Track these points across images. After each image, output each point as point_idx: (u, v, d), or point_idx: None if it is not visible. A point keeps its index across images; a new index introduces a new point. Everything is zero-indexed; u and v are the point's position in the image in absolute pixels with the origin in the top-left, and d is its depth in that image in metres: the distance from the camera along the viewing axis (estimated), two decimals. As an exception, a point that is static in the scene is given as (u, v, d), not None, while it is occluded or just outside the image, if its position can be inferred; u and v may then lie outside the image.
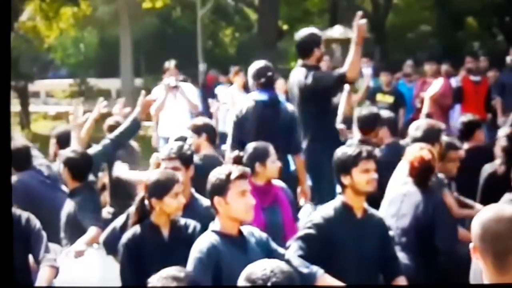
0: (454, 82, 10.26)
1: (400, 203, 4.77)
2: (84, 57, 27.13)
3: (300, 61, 6.27)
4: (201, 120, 6.24)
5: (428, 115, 6.75)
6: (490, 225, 2.39)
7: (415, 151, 4.84)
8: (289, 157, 5.97)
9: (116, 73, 20.49)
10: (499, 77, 10.38)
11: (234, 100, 9.83)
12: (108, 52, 24.32)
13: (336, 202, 4.17)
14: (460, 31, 21.46)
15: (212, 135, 5.97)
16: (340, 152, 4.20)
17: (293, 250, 4.05)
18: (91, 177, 5.52)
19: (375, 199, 4.62)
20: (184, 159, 4.63)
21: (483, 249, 2.39)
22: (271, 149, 4.94)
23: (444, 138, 5.58)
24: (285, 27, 23.09)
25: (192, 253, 3.62)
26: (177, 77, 8.56)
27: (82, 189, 5.32)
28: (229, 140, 5.81)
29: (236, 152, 4.96)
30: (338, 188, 4.26)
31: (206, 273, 3.52)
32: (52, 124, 19.25)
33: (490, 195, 5.01)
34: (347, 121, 7.47)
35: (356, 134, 6.47)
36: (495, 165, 5.70)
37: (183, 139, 5.95)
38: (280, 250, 3.91)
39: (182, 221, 4.15)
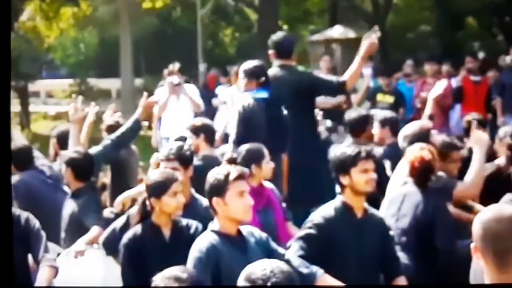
0: (454, 82, 10.26)
1: (400, 203, 4.77)
2: (84, 57, 27.13)
3: (278, 62, 6.25)
4: (200, 121, 6.24)
5: (431, 117, 6.75)
6: (491, 225, 2.40)
7: (416, 151, 4.84)
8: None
9: (116, 73, 20.49)
10: (499, 77, 10.38)
11: (234, 100, 9.83)
12: (108, 52, 24.31)
13: (336, 202, 4.17)
14: (460, 31, 21.44)
15: (210, 135, 5.97)
16: (339, 152, 4.21)
17: (293, 250, 4.05)
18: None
19: (375, 198, 4.64)
20: (183, 159, 4.63)
21: (484, 249, 2.40)
22: (265, 150, 4.95)
23: (445, 138, 5.59)
24: (285, 27, 23.08)
25: (192, 253, 3.62)
26: (181, 78, 8.54)
27: (86, 189, 5.33)
28: (232, 138, 5.76)
29: (230, 154, 4.97)
30: (338, 188, 4.26)
31: (205, 273, 3.52)
32: (52, 124, 19.26)
33: (491, 195, 5.01)
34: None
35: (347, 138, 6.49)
36: (496, 164, 5.70)
37: (183, 139, 5.95)
38: (280, 250, 3.91)
39: (184, 221, 4.15)
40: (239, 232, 3.73)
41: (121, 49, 18.89)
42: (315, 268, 3.95)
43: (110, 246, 4.48)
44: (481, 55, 12.48)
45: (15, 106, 18.07)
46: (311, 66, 14.47)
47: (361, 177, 4.07)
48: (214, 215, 3.73)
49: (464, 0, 20.85)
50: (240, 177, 3.68)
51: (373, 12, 21.89)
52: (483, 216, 2.44)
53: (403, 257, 4.51)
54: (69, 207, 5.27)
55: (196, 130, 5.98)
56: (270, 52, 6.32)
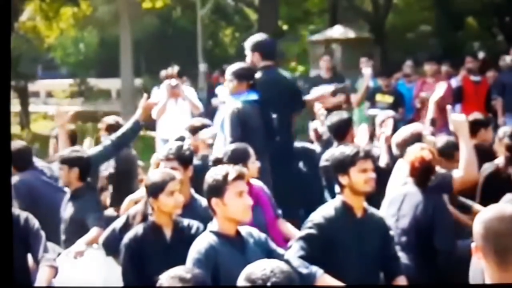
0: (454, 82, 10.25)
1: (400, 203, 4.77)
2: (84, 57, 27.13)
3: (262, 63, 6.24)
4: (199, 121, 6.24)
5: (433, 122, 6.76)
6: (492, 224, 2.41)
7: (416, 151, 4.84)
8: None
9: (116, 73, 20.49)
10: (499, 77, 10.37)
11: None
12: (108, 52, 24.31)
13: (336, 201, 4.17)
14: (460, 31, 21.44)
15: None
16: (337, 151, 4.21)
17: (294, 250, 4.05)
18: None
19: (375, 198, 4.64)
20: (183, 159, 4.63)
21: (485, 248, 2.40)
22: (251, 149, 4.96)
23: (450, 138, 5.62)
24: (285, 27, 23.08)
25: (191, 254, 3.63)
26: (180, 81, 8.48)
27: (86, 189, 5.37)
28: (228, 141, 5.74)
29: (216, 155, 4.98)
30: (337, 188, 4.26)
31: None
32: (52, 124, 19.24)
33: (490, 194, 5.01)
34: None
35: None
36: (495, 164, 5.70)
37: (183, 139, 5.96)
38: (279, 250, 3.91)
39: (185, 221, 4.16)
40: (238, 232, 3.73)
41: (121, 49, 18.89)
42: (314, 268, 3.95)
43: (110, 247, 4.49)
44: (481, 55, 12.46)
45: (15, 106, 18.06)
46: (311, 66, 14.46)
47: (360, 176, 4.07)
48: (213, 216, 3.73)
49: (464, 0, 20.84)
50: (239, 177, 3.68)
51: (373, 12, 21.88)
52: (484, 216, 2.45)
53: (403, 257, 4.51)
54: (70, 207, 5.27)
55: (195, 130, 5.98)
56: (252, 53, 6.26)
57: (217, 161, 4.85)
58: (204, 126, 6.05)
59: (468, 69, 10.18)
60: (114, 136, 5.88)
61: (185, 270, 2.77)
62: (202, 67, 18.64)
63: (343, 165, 4.10)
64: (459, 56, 12.36)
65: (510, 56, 10.54)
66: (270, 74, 6.23)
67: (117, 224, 4.57)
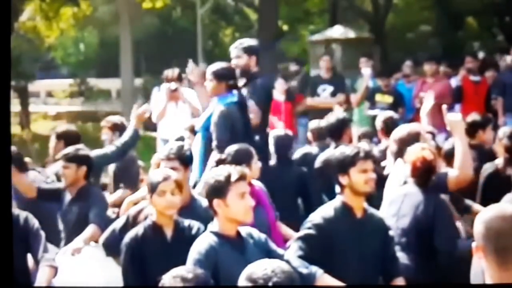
0: (454, 82, 10.26)
1: (400, 203, 4.77)
2: (84, 57, 27.14)
3: (257, 67, 6.33)
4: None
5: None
6: (493, 223, 2.41)
7: (417, 152, 4.83)
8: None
9: (116, 73, 20.49)
10: (499, 77, 10.37)
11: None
12: (108, 52, 24.32)
13: (336, 202, 4.17)
14: (460, 31, 21.45)
15: None
16: (338, 152, 4.22)
17: (293, 250, 4.05)
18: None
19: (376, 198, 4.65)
20: (183, 159, 4.63)
21: (486, 247, 2.40)
22: (253, 150, 4.98)
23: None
24: (285, 27, 23.08)
25: (191, 254, 3.63)
26: (180, 84, 8.43)
27: (92, 188, 5.44)
28: (215, 144, 5.67)
29: (218, 156, 4.99)
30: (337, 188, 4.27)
31: (205, 274, 3.52)
32: (52, 124, 19.27)
33: (490, 195, 5.01)
34: None
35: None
36: (495, 165, 5.70)
37: (183, 139, 5.97)
38: (279, 250, 3.91)
39: (186, 222, 4.16)
40: (238, 233, 3.73)
41: (121, 49, 18.89)
42: (314, 268, 3.95)
43: (110, 247, 4.49)
44: (481, 55, 12.46)
45: (15, 106, 18.07)
46: (311, 66, 14.46)
47: (360, 177, 4.07)
48: (214, 216, 3.73)
49: (464, 0, 20.84)
50: (241, 178, 3.68)
51: (373, 12, 21.89)
52: (486, 215, 2.45)
53: (403, 257, 4.51)
54: (75, 207, 5.29)
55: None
56: (249, 57, 6.30)
57: (220, 161, 4.85)
58: None
59: (467, 69, 10.19)
60: (119, 142, 6.05)
61: (187, 270, 2.78)
62: (202, 67, 18.63)
63: (343, 165, 4.10)
64: (459, 56, 12.37)
65: (510, 56, 10.54)
66: (266, 79, 6.43)
67: (117, 224, 4.57)
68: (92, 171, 5.45)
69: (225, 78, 5.85)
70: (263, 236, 3.85)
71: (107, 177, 6.99)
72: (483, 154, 6.06)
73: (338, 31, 15.12)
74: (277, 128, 7.67)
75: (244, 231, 3.77)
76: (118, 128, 6.78)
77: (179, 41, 23.89)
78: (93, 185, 5.52)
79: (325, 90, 10.01)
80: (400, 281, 4.21)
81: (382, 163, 5.86)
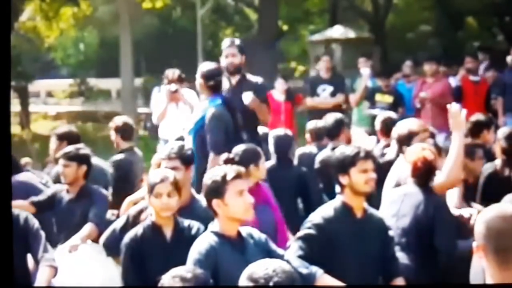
0: (454, 82, 10.25)
1: (400, 203, 4.77)
2: (84, 57, 27.14)
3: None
4: None
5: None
6: (495, 222, 2.41)
7: (418, 152, 4.83)
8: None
9: (116, 73, 20.50)
10: (500, 77, 10.36)
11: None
12: (108, 52, 24.33)
13: (336, 202, 4.17)
14: (460, 31, 21.46)
15: None
16: (338, 152, 4.21)
17: (293, 250, 4.05)
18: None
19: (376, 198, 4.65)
20: (184, 159, 4.63)
21: (487, 247, 2.41)
22: (260, 150, 4.99)
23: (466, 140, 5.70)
24: (285, 27, 23.10)
25: (191, 254, 3.62)
26: (180, 85, 8.42)
27: (92, 188, 5.44)
28: (210, 147, 5.72)
29: (226, 155, 4.99)
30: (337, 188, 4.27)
31: (205, 274, 3.52)
32: (52, 124, 19.28)
33: (490, 195, 5.01)
34: None
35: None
36: (495, 165, 5.70)
37: (183, 139, 5.96)
38: (279, 251, 3.91)
39: (186, 222, 4.16)
40: (238, 233, 3.73)
41: (121, 49, 18.89)
42: (314, 268, 3.95)
43: (111, 247, 4.49)
44: (481, 55, 12.43)
45: (15, 106, 18.07)
46: (311, 66, 14.47)
47: (361, 177, 4.07)
48: (214, 216, 3.73)
49: (464, 0, 20.85)
50: (238, 176, 3.67)
51: (373, 12, 21.91)
52: (486, 215, 2.46)
53: (403, 257, 4.51)
54: (77, 206, 5.30)
55: None
56: (242, 55, 6.43)
57: (228, 161, 4.87)
58: None
59: (467, 69, 10.18)
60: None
61: (187, 270, 2.78)
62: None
63: (344, 165, 4.10)
64: (459, 56, 12.36)
65: (510, 56, 10.53)
66: (259, 78, 6.59)
67: (118, 224, 4.57)
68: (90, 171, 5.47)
69: (207, 78, 5.94)
70: (263, 236, 3.85)
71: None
72: (485, 154, 6.06)
73: (338, 31, 15.15)
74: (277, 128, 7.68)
75: (245, 231, 3.77)
76: (120, 130, 6.78)
77: (179, 41, 23.90)
78: (92, 185, 5.51)
79: (325, 90, 10.00)
80: (400, 281, 4.20)
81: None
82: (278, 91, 9.96)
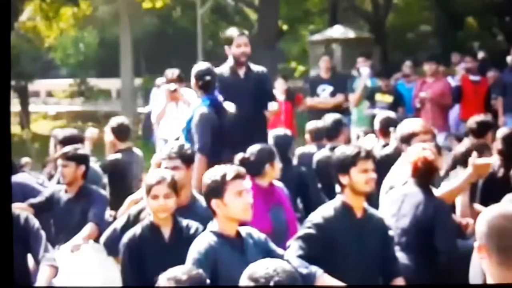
0: (453, 81, 10.25)
1: (400, 203, 4.77)
2: (84, 57, 27.13)
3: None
4: None
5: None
6: (496, 222, 2.42)
7: (418, 152, 4.83)
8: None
9: (116, 73, 20.50)
10: (500, 77, 10.36)
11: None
12: (108, 52, 24.32)
13: (336, 202, 4.17)
14: (460, 31, 21.46)
15: None
16: (338, 151, 4.21)
17: (293, 249, 4.05)
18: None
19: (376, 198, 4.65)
20: (185, 158, 4.63)
21: (488, 246, 2.40)
22: (275, 149, 4.99)
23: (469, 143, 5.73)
24: (285, 27, 23.09)
25: (190, 254, 3.62)
26: (180, 85, 8.43)
27: (90, 187, 5.44)
28: (198, 147, 5.70)
29: (241, 154, 5.02)
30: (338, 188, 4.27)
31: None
32: (52, 124, 19.28)
33: (490, 195, 5.01)
34: None
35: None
36: (495, 166, 5.69)
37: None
38: (279, 250, 3.91)
39: (184, 222, 4.15)
40: (238, 233, 3.73)
41: (121, 49, 18.89)
42: (314, 268, 3.95)
43: (111, 246, 4.49)
44: (481, 55, 12.44)
45: (15, 106, 18.07)
46: (311, 66, 14.47)
47: (361, 177, 4.07)
48: (213, 216, 3.73)
49: (464, 0, 20.86)
50: (237, 176, 3.67)
51: (373, 12, 21.91)
52: (488, 214, 2.45)
53: (403, 257, 4.51)
54: (78, 206, 5.30)
55: None
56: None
57: (244, 160, 4.90)
58: None
59: (467, 69, 10.18)
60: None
61: (182, 271, 2.78)
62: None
63: (344, 165, 4.09)
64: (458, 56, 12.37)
65: (510, 56, 10.53)
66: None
67: (118, 223, 4.57)
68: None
69: (198, 77, 6.02)
70: (263, 236, 3.85)
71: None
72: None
73: (338, 31, 15.15)
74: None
75: (244, 230, 3.77)
76: (116, 131, 6.77)
77: (179, 41, 23.90)
78: (90, 185, 5.52)
79: (324, 90, 10.00)
80: (400, 281, 4.20)
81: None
82: (278, 91, 9.96)
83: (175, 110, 8.25)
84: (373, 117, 8.06)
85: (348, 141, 6.67)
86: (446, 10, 20.76)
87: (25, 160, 9.73)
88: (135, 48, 20.00)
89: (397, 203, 4.78)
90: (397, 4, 23.24)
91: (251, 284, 2.49)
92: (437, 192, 4.81)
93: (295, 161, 6.73)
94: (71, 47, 26.91)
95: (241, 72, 6.36)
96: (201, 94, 6.04)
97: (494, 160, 5.58)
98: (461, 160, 5.51)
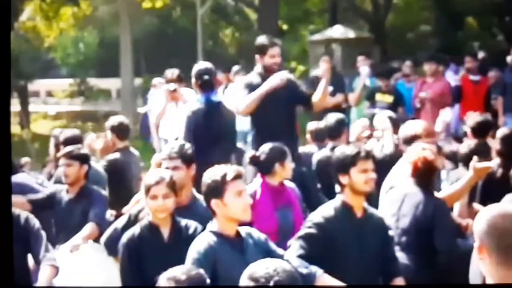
0: (453, 81, 10.25)
1: (400, 203, 4.77)
2: (84, 57, 27.14)
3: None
4: None
5: None
6: (496, 221, 2.41)
7: (418, 152, 4.83)
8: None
9: (116, 73, 20.51)
10: (500, 77, 10.36)
11: (232, 99, 9.84)
12: (108, 52, 24.31)
13: (336, 201, 4.17)
14: (460, 31, 21.44)
15: None
16: (338, 151, 4.22)
17: (293, 249, 4.05)
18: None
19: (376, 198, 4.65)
20: (185, 158, 4.63)
21: (488, 246, 2.40)
22: (287, 149, 4.98)
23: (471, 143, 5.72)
24: (285, 27, 23.09)
25: (190, 254, 3.63)
26: (180, 85, 8.43)
27: (91, 187, 5.44)
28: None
29: (252, 152, 5.03)
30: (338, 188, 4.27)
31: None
32: (52, 124, 19.29)
33: (489, 196, 5.01)
34: None
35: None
36: (494, 166, 5.69)
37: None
38: (279, 251, 3.91)
39: (183, 222, 4.16)
40: (237, 233, 3.73)
41: (121, 49, 18.90)
42: (314, 268, 3.95)
43: (112, 246, 4.49)
44: (481, 54, 12.44)
45: (15, 106, 18.08)
46: (311, 66, 14.46)
47: (361, 177, 4.07)
48: (213, 216, 3.73)
49: (464, 0, 20.85)
50: (237, 176, 3.67)
51: (373, 12, 21.91)
52: (488, 213, 2.45)
53: (402, 257, 4.51)
54: (78, 205, 5.30)
55: None
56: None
57: (254, 158, 4.91)
58: None
59: (467, 69, 10.18)
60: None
61: (182, 271, 2.78)
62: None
63: (344, 165, 4.10)
64: (459, 56, 12.36)
65: (510, 56, 10.53)
66: None
67: (119, 223, 4.57)
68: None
69: (197, 76, 6.14)
70: (262, 236, 3.85)
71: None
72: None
73: (338, 31, 15.14)
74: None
75: (244, 230, 3.77)
76: (116, 129, 6.79)
77: (179, 41, 23.89)
78: (91, 185, 5.53)
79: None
80: (400, 281, 4.20)
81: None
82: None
83: (175, 110, 8.25)
84: (372, 117, 8.06)
85: (348, 142, 6.66)
86: (446, 10, 20.74)
87: (25, 160, 9.74)
88: (135, 48, 20.00)
89: (397, 203, 4.78)
90: (397, 4, 23.25)
91: (251, 284, 2.49)
92: (438, 195, 4.82)
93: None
94: (71, 47, 26.92)
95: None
96: (200, 92, 6.10)
97: (494, 163, 5.59)
98: (463, 162, 5.53)
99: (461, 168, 5.63)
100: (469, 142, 5.91)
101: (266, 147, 5.03)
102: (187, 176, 4.54)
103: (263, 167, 4.93)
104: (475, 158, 4.90)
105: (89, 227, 5.09)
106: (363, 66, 10.19)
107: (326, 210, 4.15)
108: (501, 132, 5.82)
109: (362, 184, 4.08)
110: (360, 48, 12.85)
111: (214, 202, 3.67)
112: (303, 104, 6.39)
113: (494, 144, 5.74)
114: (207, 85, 6.09)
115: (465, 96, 9.81)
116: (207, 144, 5.66)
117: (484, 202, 4.92)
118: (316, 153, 6.68)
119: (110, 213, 5.88)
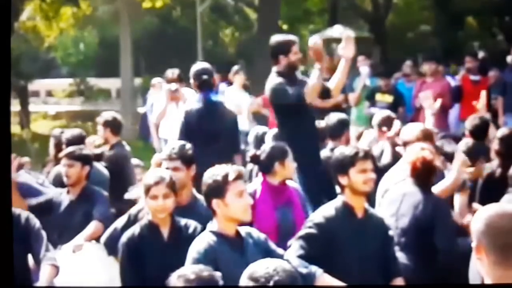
0: (453, 81, 10.24)
1: (399, 203, 4.78)
2: (84, 56, 27.15)
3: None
4: None
5: None
6: (494, 220, 2.41)
7: (417, 152, 4.83)
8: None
9: (116, 73, 20.50)
10: (500, 77, 10.35)
11: (232, 99, 9.85)
12: (108, 52, 24.32)
13: (337, 202, 4.17)
14: (460, 31, 21.46)
15: None
16: (337, 152, 4.22)
17: (294, 249, 4.05)
18: None
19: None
20: (185, 159, 4.63)
21: (486, 245, 2.40)
22: (289, 149, 4.98)
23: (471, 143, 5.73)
24: (285, 27, 23.08)
25: (190, 254, 3.63)
26: (180, 85, 8.43)
27: (92, 188, 5.44)
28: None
29: (253, 151, 5.03)
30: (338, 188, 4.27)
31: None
32: (52, 123, 19.28)
33: (489, 196, 5.01)
34: None
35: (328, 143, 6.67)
36: (493, 166, 5.69)
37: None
38: (279, 250, 3.91)
39: (183, 221, 4.16)
40: (237, 232, 3.73)
41: (121, 49, 18.89)
42: (314, 268, 3.95)
43: (112, 246, 4.49)
44: (481, 54, 12.44)
45: (15, 106, 18.07)
46: (311, 66, 14.46)
47: (359, 177, 4.07)
48: (213, 216, 3.73)
49: (464, 0, 20.86)
50: (238, 177, 3.68)
51: (373, 12, 21.91)
52: (485, 213, 2.45)
53: (402, 257, 4.52)
54: (80, 206, 5.30)
55: None
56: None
57: (254, 157, 4.90)
58: None
59: (467, 69, 10.17)
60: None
61: (192, 270, 2.78)
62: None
63: (343, 165, 4.10)
64: (459, 56, 12.36)
65: (510, 56, 10.52)
66: None
67: (119, 223, 4.57)
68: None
69: (194, 76, 6.20)
70: (262, 236, 3.85)
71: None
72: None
73: (338, 31, 15.14)
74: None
75: (244, 230, 3.77)
76: (109, 124, 6.80)
77: (179, 41, 23.89)
78: (91, 185, 5.52)
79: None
80: (400, 281, 4.20)
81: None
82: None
83: (175, 110, 8.25)
84: (371, 116, 8.06)
85: (348, 142, 6.64)
86: (446, 10, 20.75)
87: (24, 159, 9.73)
88: (135, 48, 20.00)
89: (396, 203, 4.79)
90: (397, 3, 23.25)
91: (251, 284, 2.49)
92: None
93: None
94: (71, 47, 26.94)
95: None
96: (198, 92, 6.13)
97: (484, 165, 5.60)
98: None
99: None
100: (467, 140, 5.90)
101: (267, 146, 5.04)
102: (187, 176, 4.54)
103: (263, 166, 4.93)
104: (463, 156, 4.92)
105: (93, 225, 5.07)
106: (363, 66, 10.18)
107: (327, 210, 4.15)
108: (500, 132, 5.82)
109: (361, 184, 4.08)
110: (360, 48, 12.85)
111: (215, 202, 3.67)
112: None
113: (493, 144, 5.74)
114: (205, 85, 6.10)
115: (465, 96, 9.80)
116: (206, 144, 5.66)
117: (483, 202, 4.92)
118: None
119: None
